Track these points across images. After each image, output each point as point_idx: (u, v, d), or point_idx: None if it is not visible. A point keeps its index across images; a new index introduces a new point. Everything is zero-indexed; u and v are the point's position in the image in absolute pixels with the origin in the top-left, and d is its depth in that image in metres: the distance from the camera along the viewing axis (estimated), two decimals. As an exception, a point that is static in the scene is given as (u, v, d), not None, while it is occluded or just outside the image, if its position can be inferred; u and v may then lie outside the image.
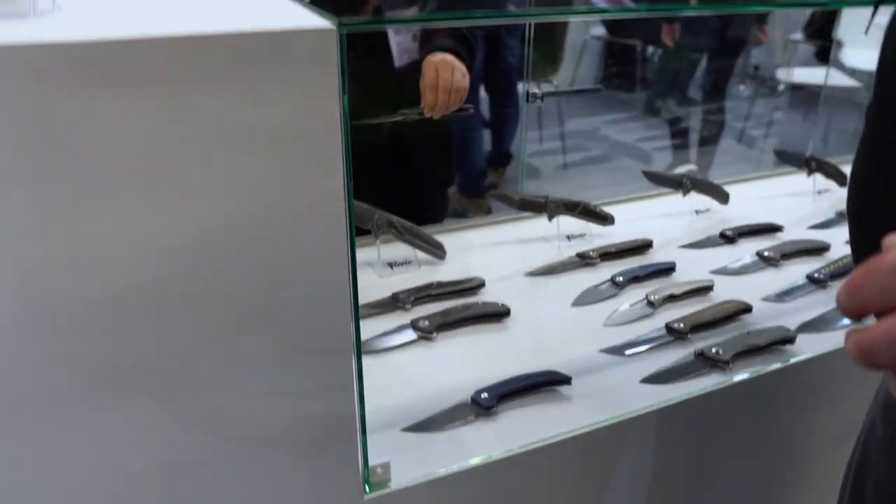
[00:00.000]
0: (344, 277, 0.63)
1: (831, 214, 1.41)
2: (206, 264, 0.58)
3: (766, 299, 1.11)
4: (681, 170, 1.61)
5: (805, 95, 4.35)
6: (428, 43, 1.32)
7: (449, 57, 1.28)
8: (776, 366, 0.96)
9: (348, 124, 0.59)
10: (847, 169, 0.89)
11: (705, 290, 1.11)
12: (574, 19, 4.67)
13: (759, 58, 5.02)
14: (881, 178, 0.72)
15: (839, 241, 1.27)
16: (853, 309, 0.40)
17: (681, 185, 1.36)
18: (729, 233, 1.30)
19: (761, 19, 4.20)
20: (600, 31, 4.63)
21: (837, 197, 1.45)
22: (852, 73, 4.35)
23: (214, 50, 0.53)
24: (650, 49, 4.33)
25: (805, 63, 4.57)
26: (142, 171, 0.54)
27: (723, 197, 1.39)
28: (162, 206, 0.55)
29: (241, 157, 0.56)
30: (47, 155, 0.51)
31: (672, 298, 1.08)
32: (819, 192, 1.49)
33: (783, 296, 1.13)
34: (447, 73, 1.26)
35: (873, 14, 0.84)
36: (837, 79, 4.11)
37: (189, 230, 0.57)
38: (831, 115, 3.54)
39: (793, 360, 0.97)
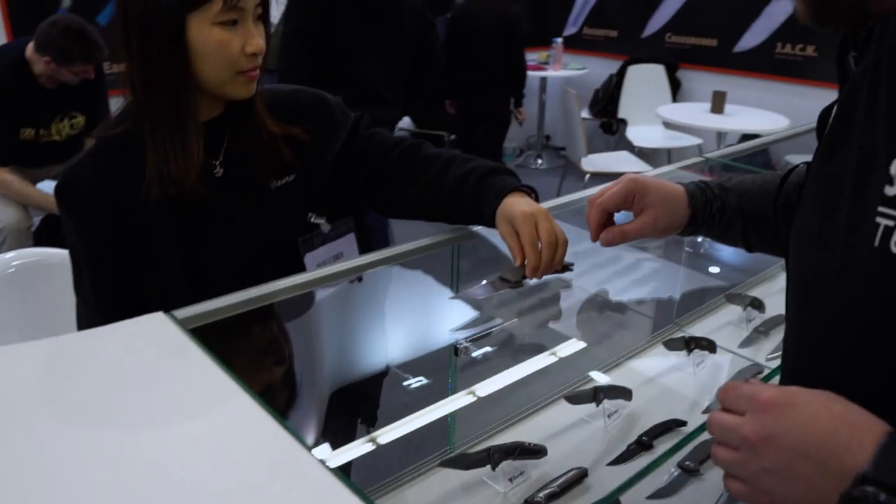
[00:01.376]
0: None
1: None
2: None
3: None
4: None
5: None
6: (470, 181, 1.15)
7: (535, 204, 1.14)
8: None
9: None
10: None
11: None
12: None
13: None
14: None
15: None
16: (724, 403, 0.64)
17: (594, 397, 1.42)
18: (644, 438, 1.38)
19: (518, 101, 4.59)
20: (406, 122, 4.71)
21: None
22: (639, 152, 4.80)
23: None
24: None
25: (591, 137, 4.94)
26: None
27: (627, 395, 1.47)
28: None
29: None
30: None
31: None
32: (697, 365, 1.63)
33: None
34: (547, 223, 1.10)
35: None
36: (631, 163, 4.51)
37: None
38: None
39: None
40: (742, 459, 0.59)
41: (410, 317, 1.70)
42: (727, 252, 2.96)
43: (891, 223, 0.58)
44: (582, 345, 1.63)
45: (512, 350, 1.65)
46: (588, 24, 6.26)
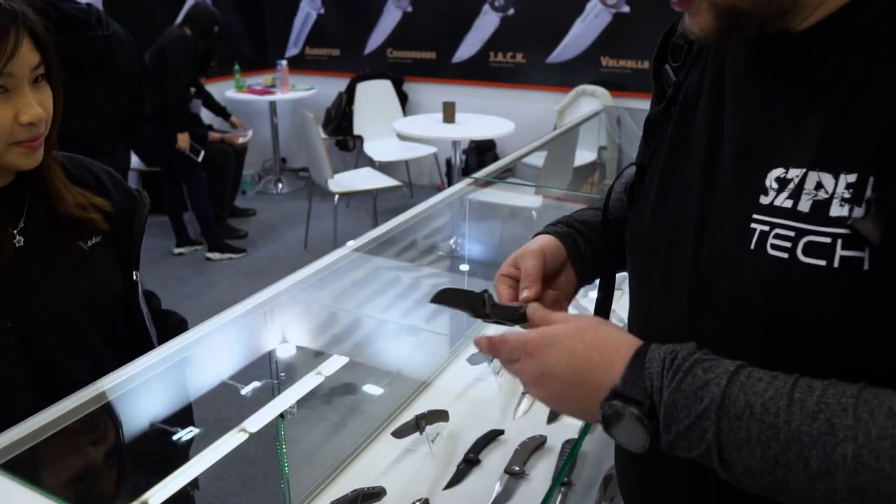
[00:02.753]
0: None
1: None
2: None
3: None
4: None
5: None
6: None
7: None
8: None
9: None
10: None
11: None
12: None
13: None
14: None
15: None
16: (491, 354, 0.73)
17: (418, 426, 1.44)
18: (471, 455, 1.43)
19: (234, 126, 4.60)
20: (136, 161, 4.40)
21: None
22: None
23: None
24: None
25: (329, 156, 4.95)
26: None
27: (444, 416, 1.51)
28: None
29: None
30: None
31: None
32: (498, 373, 1.71)
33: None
34: None
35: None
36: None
37: None
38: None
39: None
40: (530, 389, 0.71)
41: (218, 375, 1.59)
42: (494, 261, 3.13)
43: (766, 228, 0.63)
44: (390, 374, 1.65)
45: (326, 399, 1.61)
46: (309, 44, 6.28)
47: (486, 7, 5.46)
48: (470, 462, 1.42)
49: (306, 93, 5.90)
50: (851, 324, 0.58)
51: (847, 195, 0.58)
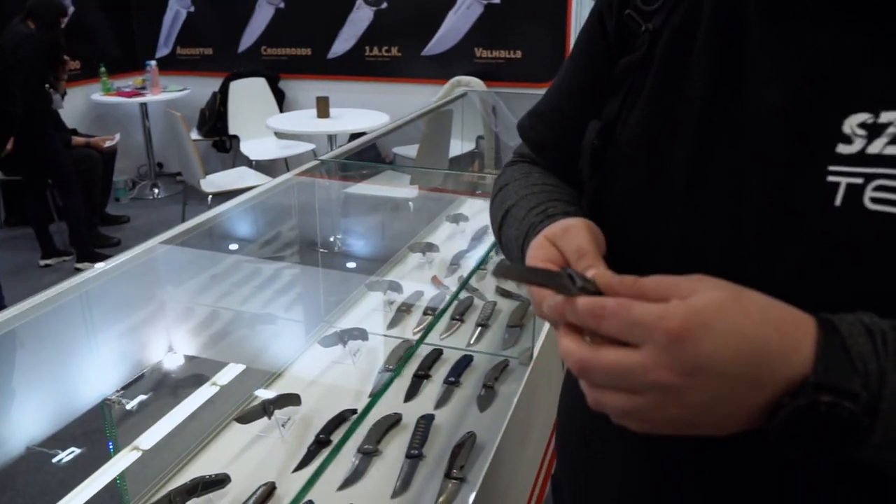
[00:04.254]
0: None
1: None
2: None
3: None
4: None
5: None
6: None
7: None
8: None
9: None
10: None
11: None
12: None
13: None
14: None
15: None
16: (586, 326, 0.48)
17: (265, 410, 1.41)
18: (322, 436, 1.41)
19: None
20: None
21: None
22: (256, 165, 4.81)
23: None
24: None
25: (206, 158, 4.84)
26: None
27: (296, 400, 1.48)
28: None
29: None
30: None
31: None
32: (354, 354, 1.70)
33: None
34: None
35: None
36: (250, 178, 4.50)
37: None
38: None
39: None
40: (653, 403, 0.48)
41: (42, 384, 1.52)
42: (359, 246, 3.13)
43: (858, 180, 0.53)
44: (241, 367, 1.61)
45: (170, 389, 1.57)
46: (180, 43, 6.08)
47: (360, 2, 5.44)
48: (321, 443, 1.40)
49: (179, 94, 5.71)
50: None
51: None
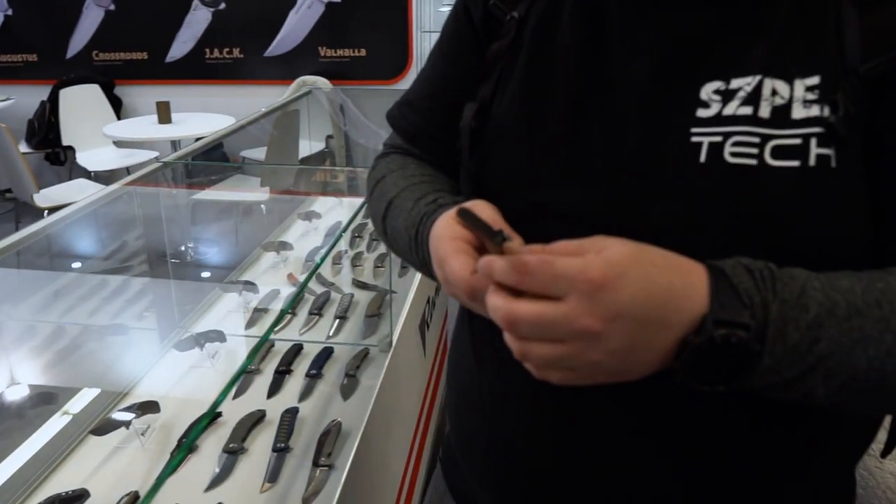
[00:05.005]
0: None
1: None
2: None
3: None
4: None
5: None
6: None
7: None
8: None
9: None
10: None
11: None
12: None
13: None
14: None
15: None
16: (511, 283, 0.51)
17: (122, 421, 1.38)
18: (185, 440, 1.40)
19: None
20: None
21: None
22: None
23: None
24: None
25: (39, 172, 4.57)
26: None
27: (155, 408, 1.46)
28: None
29: None
30: None
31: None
32: (213, 357, 1.69)
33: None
34: None
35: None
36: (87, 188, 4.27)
37: None
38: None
39: None
40: (577, 350, 0.52)
41: None
42: (211, 252, 3.07)
43: (718, 139, 0.60)
44: (94, 391, 1.56)
45: (15, 423, 1.50)
46: (0, 49, 5.67)
47: (196, 2, 5.28)
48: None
49: (2, 104, 5.32)
50: (821, 220, 0.58)
51: (811, 97, 0.59)
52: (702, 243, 0.59)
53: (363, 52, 5.24)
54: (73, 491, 1.22)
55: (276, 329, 1.81)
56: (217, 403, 1.04)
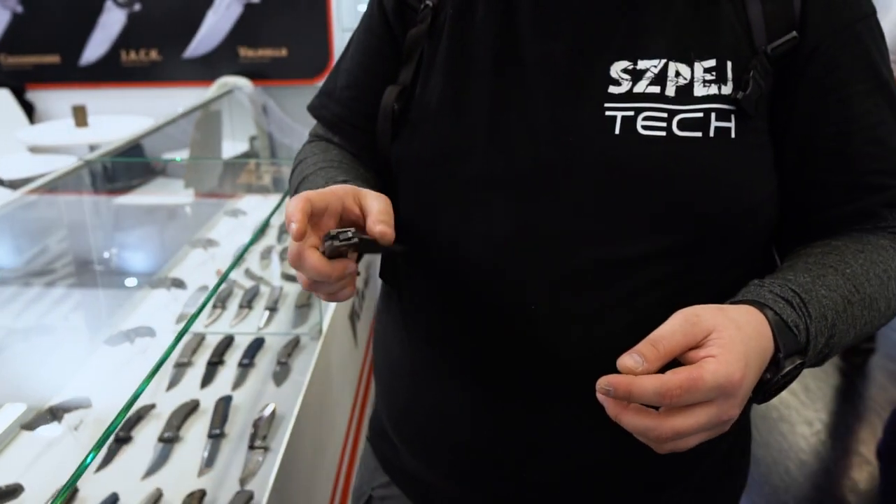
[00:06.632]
0: None
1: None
2: None
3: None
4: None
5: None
6: None
7: None
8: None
9: None
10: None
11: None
12: None
13: None
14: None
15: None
16: (656, 403, 0.57)
17: (54, 416, 1.38)
18: (121, 434, 1.41)
19: None
20: None
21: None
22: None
23: None
24: None
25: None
26: None
27: (86, 403, 1.46)
28: None
29: None
30: None
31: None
32: (145, 351, 1.70)
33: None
34: None
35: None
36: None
37: None
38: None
39: None
40: (720, 428, 0.61)
41: None
42: (137, 254, 3.04)
43: (630, 113, 0.68)
44: (20, 407, 1.54)
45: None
46: None
47: (110, 3, 5.17)
48: (120, 441, 1.41)
49: None
50: (724, 184, 0.68)
51: (709, 77, 0.68)
52: (617, 206, 0.68)
53: (284, 52, 5.22)
54: (6, 486, 1.22)
55: (206, 323, 1.83)
56: (141, 389, 1.07)
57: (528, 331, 0.73)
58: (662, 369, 0.57)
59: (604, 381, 0.57)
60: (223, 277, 1.38)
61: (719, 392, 0.57)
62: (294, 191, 0.88)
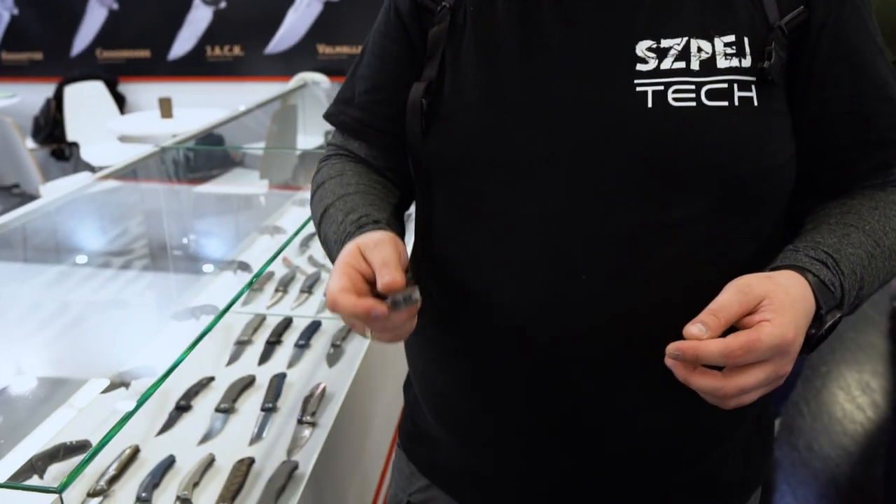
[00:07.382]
0: None
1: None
2: None
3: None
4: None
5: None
6: None
7: None
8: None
9: None
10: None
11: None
12: None
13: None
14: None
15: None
16: (721, 364, 0.63)
17: (123, 383, 1.49)
18: (182, 402, 1.51)
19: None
20: None
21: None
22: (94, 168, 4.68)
23: None
24: None
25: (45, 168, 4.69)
26: None
27: (152, 372, 1.57)
28: None
29: None
30: None
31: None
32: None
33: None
34: None
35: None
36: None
37: None
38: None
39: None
40: (777, 380, 0.67)
41: None
42: (210, 240, 3.18)
43: (660, 88, 0.73)
44: (103, 382, 1.64)
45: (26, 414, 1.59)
46: (6, 48, 5.80)
47: (197, 1, 5.40)
48: (181, 409, 1.50)
49: (8, 101, 5.45)
50: (752, 149, 0.73)
51: (729, 51, 0.73)
52: (657, 174, 0.73)
53: (361, 49, 5.34)
54: (77, 441, 1.32)
55: (269, 304, 1.93)
56: (179, 361, 1.16)
57: (579, 302, 0.76)
58: (722, 336, 0.64)
59: (673, 347, 0.64)
60: (269, 261, 1.46)
61: (775, 351, 0.63)
62: (319, 223, 0.90)
